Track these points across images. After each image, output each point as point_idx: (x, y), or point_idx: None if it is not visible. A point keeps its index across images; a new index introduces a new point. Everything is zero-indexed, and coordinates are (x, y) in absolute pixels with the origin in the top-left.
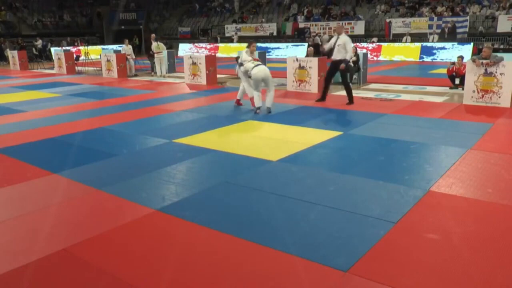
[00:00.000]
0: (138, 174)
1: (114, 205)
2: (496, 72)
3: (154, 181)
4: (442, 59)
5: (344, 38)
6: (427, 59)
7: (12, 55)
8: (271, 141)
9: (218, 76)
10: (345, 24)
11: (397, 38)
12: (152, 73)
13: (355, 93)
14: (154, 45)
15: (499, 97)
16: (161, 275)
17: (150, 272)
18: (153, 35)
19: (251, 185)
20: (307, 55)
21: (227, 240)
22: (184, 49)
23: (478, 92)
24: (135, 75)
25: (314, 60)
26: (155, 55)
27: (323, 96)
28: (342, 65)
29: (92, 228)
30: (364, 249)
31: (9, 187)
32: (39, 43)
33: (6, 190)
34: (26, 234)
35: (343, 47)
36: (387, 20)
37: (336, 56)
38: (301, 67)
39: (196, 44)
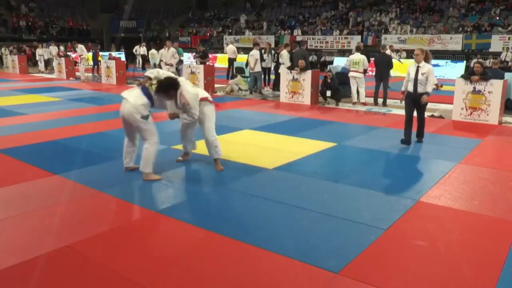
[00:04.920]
0: (137, 178)
1: (114, 206)
2: (484, 90)
3: (154, 184)
4: (436, 76)
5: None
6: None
7: (12, 58)
8: (267, 150)
9: (215, 85)
10: (342, 39)
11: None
12: None
13: (348, 107)
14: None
15: (487, 114)
16: (159, 272)
17: (149, 269)
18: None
19: (247, 191)
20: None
21: (224, 241)
22: (184, 58)
23: (466, 110)
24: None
25: (308, 73)
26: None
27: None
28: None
29: (93, 227)
30: (355, 253)
31: (12, 186)
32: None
33: (9, 189)
34: (29, 231)
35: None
36: (383, 36)
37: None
38: (294, 79)
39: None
